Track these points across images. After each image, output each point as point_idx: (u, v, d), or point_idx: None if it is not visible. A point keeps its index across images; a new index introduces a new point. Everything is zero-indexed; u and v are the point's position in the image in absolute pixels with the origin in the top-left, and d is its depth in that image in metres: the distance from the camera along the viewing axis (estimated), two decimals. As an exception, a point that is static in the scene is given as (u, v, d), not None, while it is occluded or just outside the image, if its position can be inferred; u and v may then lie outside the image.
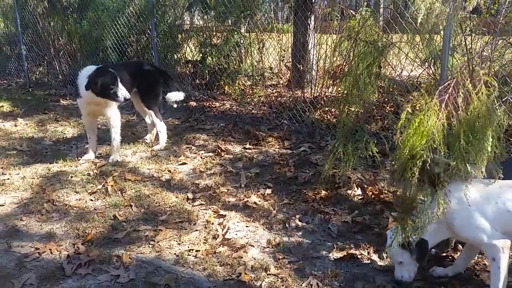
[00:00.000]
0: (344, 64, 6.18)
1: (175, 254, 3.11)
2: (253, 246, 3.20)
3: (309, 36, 7.35)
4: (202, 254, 3.08)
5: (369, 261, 3.02)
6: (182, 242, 3.25)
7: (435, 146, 2.55)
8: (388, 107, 6.01)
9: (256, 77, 7.68)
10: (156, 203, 3.88)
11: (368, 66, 4.02)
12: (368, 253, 3.09)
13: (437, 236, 2.63)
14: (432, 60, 4.88)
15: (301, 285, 2.76)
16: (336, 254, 3.10)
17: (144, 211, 3.75)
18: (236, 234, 3.37)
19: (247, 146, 5.38)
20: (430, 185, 2.60)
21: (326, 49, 6.44)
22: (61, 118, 6.90)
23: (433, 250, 2.85)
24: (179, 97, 5.42)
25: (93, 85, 4.36)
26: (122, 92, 4.48)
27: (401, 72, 5.63)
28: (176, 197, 4.00)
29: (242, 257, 3.05)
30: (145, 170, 4.70)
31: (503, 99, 3.61)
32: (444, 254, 3.08)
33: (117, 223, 3.54)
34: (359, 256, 3.06)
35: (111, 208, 3.80)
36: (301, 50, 7.20)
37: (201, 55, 8.08)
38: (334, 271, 2.90)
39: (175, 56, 7.93)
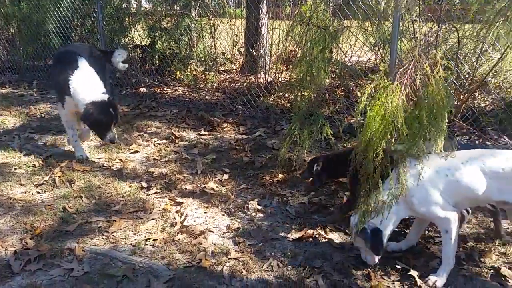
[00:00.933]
0: (297, 49, 6.24)
1: (131, 244, 3.01)
2: (212, 231, 3.17)
3: (262, 21, 7.31)
4: (160, 243, 3.00)
5: (326, 240, 3.07)
6: (138, 232, 3.16)
7: (398, 126, 2.62)
8: (339, 92, 6.12)
9: (209, 63, 7.56)
10: (108, 194, 3.73)
11: (321, 51, 4.05)
12: (325, 232, 3.15)
13: (398, 216, 2.71)
14: (382, 44, 5.00)
15: (262, 267, 2.77)
16: (294, 235, 3.13)
17: (95, 202, 3.59)
18: (194, 221, 3.31)
19: (202, 132, 5.30)
20: (389, 165, 2.69)
21: (279, 34, 6.43)
22: (0, 108, 6.45)
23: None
24: (123, 54, 5.03)
25: (88, 117, 4.04)
26: (111, 135, 4.20)
27: (350, 57, 5.74)
28: (130, 187, 3.87)
29: (201, 243, 3.00)
30: (94, 159, 4.50)
31: (447, 81, 3.77)
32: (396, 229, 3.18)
33: (67, 215, 3.37)
34: (317, 236, 3.11)
35: (59, 200, 3.61)
36: (255, 35, 7.14)
37: (150, 39, 7.83)
38: (293, 251, 2.93)
39: (123, 41, 7.62)
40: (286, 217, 3.40)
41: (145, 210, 3.45)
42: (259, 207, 3.51)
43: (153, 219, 3.33)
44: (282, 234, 3.16)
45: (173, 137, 5.06)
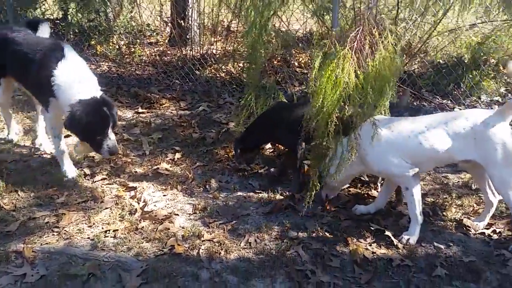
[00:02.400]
0: (233, 18, 6.01)
1: (89, 238, 2.70)
2: (177, 215, 2.96)
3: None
4: (123, 233, 2.74)
5: (296, 210, 3.02)
6: (94, 224, 2.84)
7: (350, 92, 2.60)
8: (276, 61, 6.03)
9: (133, 35, 7.03)
10: (47, 184, 3.31)
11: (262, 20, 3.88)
12: (294, 202, 3.09)
13: (351, 171, 2.81)
14: (322, 11, 4.95)
15: (240, 245, 2.65)
16: (264, 209, 3.04)
17: (35, 195, 3.16)
18: (155, 206, 3.07)
19: (140, 110, 4.92)
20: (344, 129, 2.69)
21: (211, 2, 6.11)
22: None
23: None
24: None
25: (74, 123, 3.04)
26: (110, 144, 3.10)
27: (288, 24, 5.66)
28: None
29: (169, 228, 2.79)
30: (22, 148, 3.97)
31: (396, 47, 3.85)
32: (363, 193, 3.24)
33: (4, 213, 2.93)
34: (285, 206, 3.04)
35: (-10, 197, 3.13)
36: (182, 4, 6.75)
37: (62, 12, 7.07)
38: (267, 224, 2.84)
39: (32, 13, 6.77)
40: (251, 191, 3.28)
41: (95, 199, 3.12)
42: (221, 184, 3.35)
43: (107, 208, 3.02)
44: (252, 209, 3.05)
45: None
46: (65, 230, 2.76)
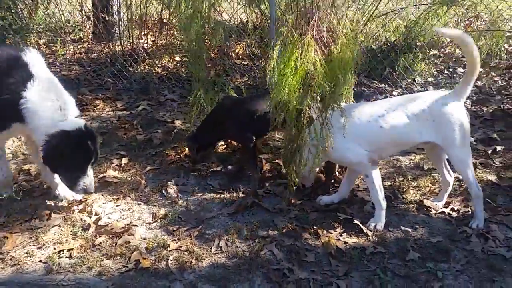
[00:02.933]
0: (165, 9, 5.71)
1: (41, 261, 2.40)
2: (136, 225, 2.73)
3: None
4: (79, 252, 2.47)
5: (261, 207, 2.93)
6: (44, 245, 2.54)
7: (316, 81, 2.54)
8: (213, 54, 5.86)
9: (53, 32, 6.45)
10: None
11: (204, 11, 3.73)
12: (258, 199, 3.00)
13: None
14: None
15: (211, 251, 2.51)
16: (228, 209, 2.91)
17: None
18: (109, 218, 2.81)
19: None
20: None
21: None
22: None
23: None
24: None
25: (53, 157, 2.62)
26: (86, 182, 2.70)
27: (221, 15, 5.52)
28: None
29: (129, 242, 2.56)
30: None
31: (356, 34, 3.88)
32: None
33: None
34: (250, 204, 2.94)
35: None
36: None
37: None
38: (235, 225, 2.73)
39: None
40: (211, 191, 3.13)
41: (40, 217, 2.79)
42: (178, 187, 3.16)
43: (55, 225, 2.72)
44: (215, 210, 2.91)
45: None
46: (10, 256, 2.44)
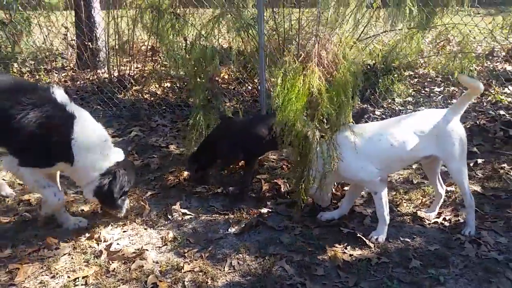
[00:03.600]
0: (149, 37, 5.83)
1: (57, 291, 2.42)
2: (146, 250, 2.78)
3: (94, 10, 6.56)
4: (95, 279, 2.50)
5: (266, 225, 3.04)
6: (57, 274, 2.55)
7: (325, 105, 2.71)
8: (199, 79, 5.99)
9: (38, 61, 6.47)
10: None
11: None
12: (263, 218, 3.11)
13: (329, 180, 2.88)
14: (246, 28, 5.05)
15: (224, 270, 2.59)
16: (235, 229, 3.00)
17: (-31, 253, 2.75)
18: (118, 244, 2.85)
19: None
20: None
21: (121, 23, 5.87)
22: None
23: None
24: None
25: (108, 193, 2.88)
26: (127, 205, 3.08)
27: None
28: (8, 222, 3.07)
29: (143, 266, 2.61)
30: None
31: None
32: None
33: None
34: (255, 223, 3.05)
35: None
36: (89, 26, 6.38)
37: None
38: (244, 244, 2.82)
39: None
40: (215, 213, 3.22)
41: (49, 246, 2.80)
42: (182, 210, 3.23)
43: (65, 254, 2.73)
44: (222, 231, 2.99)
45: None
46: (24, 287, 2.43)
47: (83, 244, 2.82)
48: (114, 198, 2.89)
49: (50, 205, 2.91)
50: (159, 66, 5.62)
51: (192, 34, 4.85)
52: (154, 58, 5.39)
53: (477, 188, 3.42)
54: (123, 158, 3.02)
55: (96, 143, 2.84)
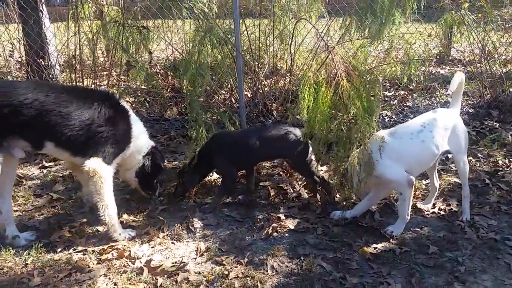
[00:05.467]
0: (113, 51, 5.72)
1: (111, 312, 2.37)
2: (184, 262, 2.80)
3: (45, 25, 6.24)
4: (147, 295, 2.48)
5: (289, 227, 3.20)
6: (103, 295, 2.49)
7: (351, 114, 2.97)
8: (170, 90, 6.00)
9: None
10: (6, 268, 2.72)
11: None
12: (283, 221, 3.26)
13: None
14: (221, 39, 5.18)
15: (267, 273, 2.70)
16: (260, 234, 3.13)
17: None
18: (153, 260, 2.83)
19: (45, 164, 4.32)
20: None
21: (90, 36, 5.68)
22: None
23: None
24: None
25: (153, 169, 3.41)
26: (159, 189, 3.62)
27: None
28: (25, 251, 2.90)
29: (188, 278, 2.64)
30: None
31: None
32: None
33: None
34: (278, 227, 3.20)
35: None
36: (40, 42, 6.07)
37: None
38: (274, 248, 2.95)
39: None
40: (235, 221, 3.32)
41: (80, 269, 2.71)
42: (203, 222, 3.28)
43: (101, 275, 2.67)
44: (249, 238, 3.10)
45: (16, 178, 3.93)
46: (74, 314, 2.35)
47: (117, 263, 2.77)
48: (153, 175, 3.38)
49: (112, 213, 3.04)
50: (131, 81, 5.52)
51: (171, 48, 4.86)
52: (128, 72, 5.28)
53: (456, 180, 3.88)
54: (155, 144, 3.50)
55: (141, 130, 3.31)
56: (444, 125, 3.11)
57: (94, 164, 2.89)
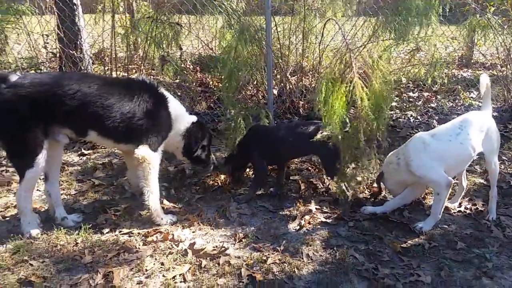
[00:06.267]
0: (144, 46, 5.90)
1: (158, 288, 2.55)
2: (224, 247, 2.97)
3: (78, 18, 6.45)
4: (192, 275, 2.66)
5: (321, 219, 3.35)
6: (152, 274, 2.67)
7: (366, 112, 3.11)
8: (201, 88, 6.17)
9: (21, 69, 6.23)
10: (54, 246, 2.93)
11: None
12: (314, 213, 3.41)
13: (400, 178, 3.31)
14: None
15: (303, 261, 2.86)
16: (294, 225, 3.28)
17: (51, 261, 2.77)
18: (195, 243, 3.01)
19: (84, 151, 4.53)
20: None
21: (121, 32, 5.90)
22: None
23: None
24: None
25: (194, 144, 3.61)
26: (213, 158, 3.88)
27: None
28: (75, 232, 3.09)
29: (229, 261, 2.81)
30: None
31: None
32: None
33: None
34: (310, 218, 3.35)
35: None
36: (71, 33, 6.28)
37: None
38: (309, 237, 3.11)
39: None
40: (268, 211, 3.48)
41: (127, 249, 2.90)
42: (238, 211, 3.45)
43: (147, 255, 2.85)
44: (283, 228, 3.25)
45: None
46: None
47: (162, 246, 2.95)
48: (193, 151, 3.56)
49: (156, 198, 3.22)
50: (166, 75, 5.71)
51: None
52: (163, 67, 5.47)
53: (482, 181, 4.00)
54: (196, 119, 3.60)
55: (178, 112, 3.43)
56: (479, 127, 3.22)
57: (143, 152, 3.06)
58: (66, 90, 2.87)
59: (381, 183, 3.53)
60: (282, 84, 5.73)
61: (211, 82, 6.36)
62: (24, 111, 2.78)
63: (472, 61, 7.93)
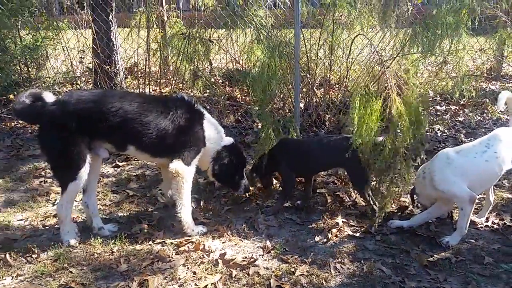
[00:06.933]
0: (175, 61, 6.12)
1: (192, 296, 2.67)
2: (253, 258, 3.07)
3: (113, 34, 6.76)
4: (223, 284, 2.77)
5: (348, 233, 3.41)
6: (185, 283, 2.80)
7: (406, 126, 3.17)
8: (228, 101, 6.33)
9: (58, 84, 6.57)
10: (92, 255, 3.09)
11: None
12: (341, 227, 3.48)
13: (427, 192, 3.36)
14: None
15: (331, 273, 2.92)
16: (321, 238, 3.36)
17: (89, 269, 2.93)
18: (225, 254, 3.12)
19: (119, 163, 4.74)
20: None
21: (157, 47, 6.15)
22: None
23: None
24: None
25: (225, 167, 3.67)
26: (245, 182, 3.81)
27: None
28: (110, 241, 3.26)
29: (258, 272, 2.91)
30: (15, 222, 3.54)
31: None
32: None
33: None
34: (337, 232, 3.42)
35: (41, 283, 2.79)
36: (107, 49, 6.59)
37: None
38: (336, 248, 3.19)
39: None
40: (295, 224, 3.57)
41: (161, 258, 3.04)
42: (266, 223, 3.55)
43: (180, 265, 2.98)
44: (310, 241, 3.33)
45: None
46: (161, 296, 2.67)
47: (194, 255, 3.08)
48: (224, 174, 3.60)
49: (188, 211, 3.36)
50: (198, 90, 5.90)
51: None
52: (194, 82, 5.67)
53: (510, 195, 3.97)
54: (231, 143, 3.66)
55: (213, 134, 3.51)
56: (507, 144, 3.23)
57: (177, 166, 3.22)
58: (110, 108, 3.06)
59: (414, 196, 3.57)
60: (308, 98, 5.84)
61: (238, 96, 6.53)
62: (71, 127, 2.97)
63: (502, 73, 7.84)
